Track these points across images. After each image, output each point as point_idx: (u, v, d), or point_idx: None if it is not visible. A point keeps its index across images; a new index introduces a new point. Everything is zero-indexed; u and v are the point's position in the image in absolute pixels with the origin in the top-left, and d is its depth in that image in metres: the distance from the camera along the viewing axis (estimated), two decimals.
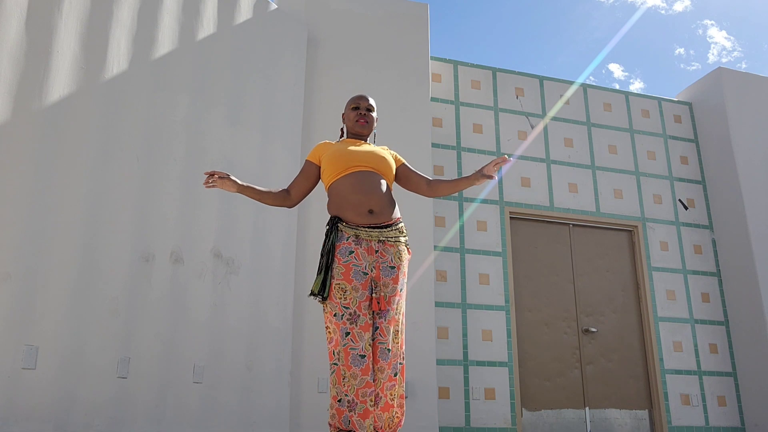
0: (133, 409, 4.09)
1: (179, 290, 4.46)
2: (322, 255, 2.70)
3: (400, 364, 2.68)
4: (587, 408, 6.11)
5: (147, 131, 4.56)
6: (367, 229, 2.71)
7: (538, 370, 6.07)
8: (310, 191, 3.00)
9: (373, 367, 2.61)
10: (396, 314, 2.68)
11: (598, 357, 6.29)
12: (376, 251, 2.71)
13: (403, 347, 2.72)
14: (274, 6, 5.64)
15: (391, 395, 2.63)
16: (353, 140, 2.98)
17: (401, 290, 2.73)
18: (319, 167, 2.95)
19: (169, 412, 4.22)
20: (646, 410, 6.29)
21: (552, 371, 6.11)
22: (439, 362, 5.64)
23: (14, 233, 3.88)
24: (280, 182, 5.19)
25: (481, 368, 5.80)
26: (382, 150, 2.97)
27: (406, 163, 3.06)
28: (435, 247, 5.89)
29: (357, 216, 2.73)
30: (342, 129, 3.12)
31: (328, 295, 2.63)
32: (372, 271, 2.68)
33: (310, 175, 2.96)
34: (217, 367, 4.50)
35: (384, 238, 2.73)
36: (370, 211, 2.74)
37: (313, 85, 5.76)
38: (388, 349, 2.63)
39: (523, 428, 5.86)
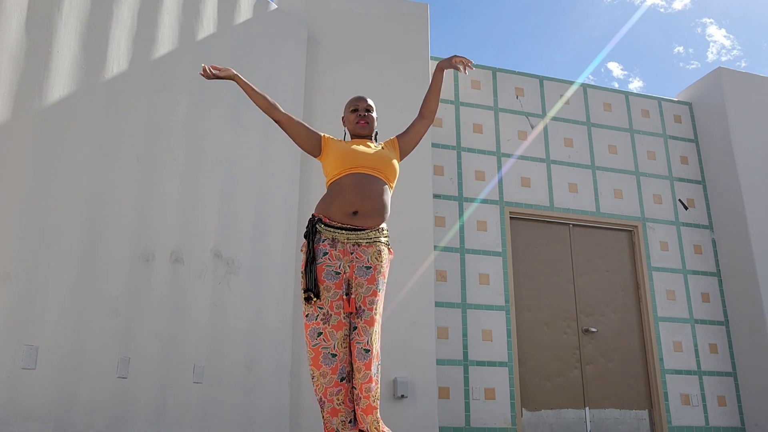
0: (133, 409, 4.09)
1: (179, 290, 4.46)
2: (306, 259, 2.70)
3: (378, 365, 2.67)
4: (587, 408, 6.11)
5: (147, 131, 4.56)
6: (344, 231, 2.72)
7: (538, 370, 6.07)
8: (293, 135, 2.96)
9: (352, 367, 2.63)
10: (375, 314, 2.67)
11: (598, 357, 6.29)
12: (351, 253, 2.72)
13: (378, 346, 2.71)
14: (274, 6, 5.64)
15: (373, 397, 2.61)
16: (358, 140, 2.98)
17: (380, 290, 2.71)
18: (320, 147, 2.95)
19: (169, 412, 4.22)
20: (646, 410, 6.29)
21: (552, 371, 6.11)
22: (439, 362, 5.64)
23: (14, 233, 3.88)
24: (280, 182, 5.20)
25: (481, 368, 5.80)
26: (385, 150, 2.95)
27: (401, 134, 3.08)
28: (435, 247, 5.89)
29: (340, 214, 2.73)
30: (345, 133, 3.13)
31: (318, 292, 2.64)
32: (346, 271, 2.70)
33: (307, 135, 2.95)
34: (217, 367, 4.50)
35: (360, 241, 2.73)
36: (355, 213, 2.74)
37: (313, 85, 5.76)
38: (366, 350, 2.61)
39: (523, 428, 5.86)
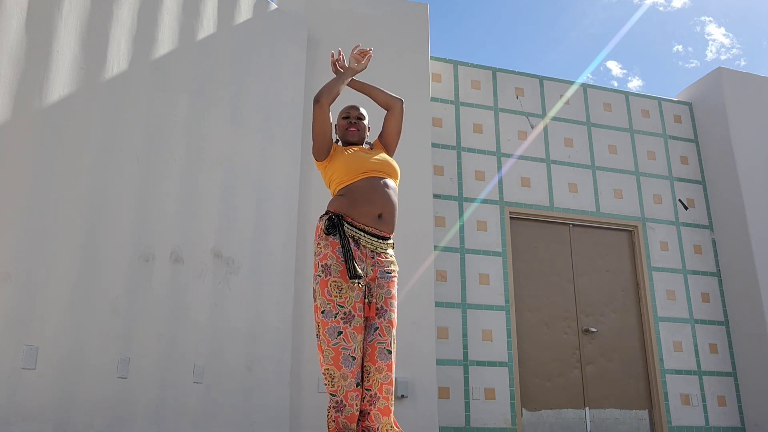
0: (133, 409, 4.09)
1: (179, 290, 4.46)
2: (342, 247, 2.63)
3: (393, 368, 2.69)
4: (587, 408, 6.11)
5: (147, 131, 4.56)
6: (368, 236, 2.73)
7: (538, 370, 6.07)
8: (320, 125, 2.87)
9: (369, 368, 2.61)
10: (395, 317, 2.71)
11: (598, 357, 6.29)
12: (372, 258, 2.74)
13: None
14: (274, 6, 5.64)
15: (392, 400, 2.62)
16: (359, 147, 3.00)
17: (396, 295, 2.77)
18: (329, 151, 2.91)
19: (169, 412, 4.22)
20: (646, 410, 6.29)
21: (552, 371, 6.11)
22: (439, 362, 5.63)
23: (14, 233, 3.88)
24: (280, 182, 5.20)
25: (481, 368, 5.80)
26: (380, 152, 3.00)
27: (381, 134, 3.13)
28: (435, 247, 5.89)
29: (366, 217, 2.73)
30: (337, 140, 3.13)
31: (359, 275, 2.59)
32: (369, 274, 2.70)
33: (325, 135, 2.89)
34: (217, 367, 4.50)
35: (378, 250, 2.76)
36: (380, 216, 2.76)
37: (313, 85, 5.75)
38: (389, 350, 2.62)
39: (523, 428, 5.86)
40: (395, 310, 2.71)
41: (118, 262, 4.23)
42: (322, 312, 2.60)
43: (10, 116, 3.97)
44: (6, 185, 3.90)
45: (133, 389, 4.11)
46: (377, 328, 2.63)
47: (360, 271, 2.59)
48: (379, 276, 2.71)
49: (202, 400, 4.38)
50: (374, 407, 2.58)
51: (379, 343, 2.61)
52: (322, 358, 2.60)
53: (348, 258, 2.60)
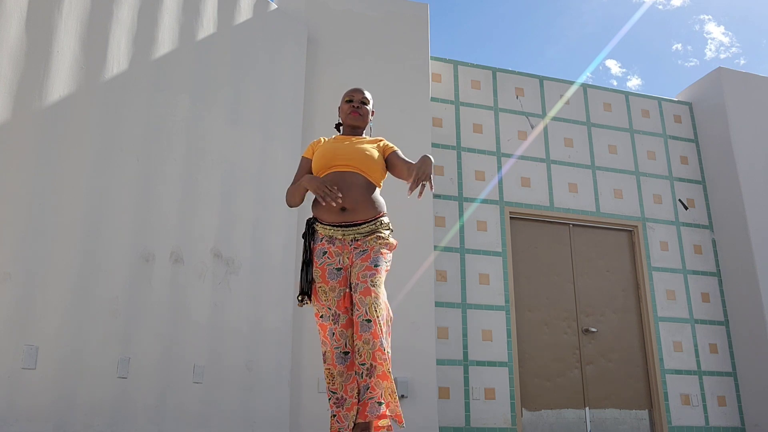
0: (133, 409, 4.09)
1: (179, 290, 4.45)
2: (303, 263, 2.75)
3: (387, 330, 2.60)
4: (587, 408, 6.11)
5: (147, 131, 4.56)
6: (340, 228, 2.71)
7: (538, 370, 6.07)
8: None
9: (357, 346, 2.57)
10: (370, 285, 2.58)
11: (598, 357, 6.29)
12: (350, 245, 2.72)
13: (388, 313, 2.64)
14: (274, 6, 5.64)
15: (387, 368, 2.56)
16: (346, 136, 2.97)
17: (376, 266, 2.64)
18: (312, 154, 2.95)
19: (169, 412, 4.22)
20: (646, 410, 6.29)
21: (552, 371, 6.11)
22: (439, 362, 5.63)
23: (14, 233, 3.88)
24: (280, 182, 5.20)
25: (481, 368, 5.80)
26: (372, 146, 2.89)
27: (397, 151, 2.92)
28: (435, 247, 5.89)
29: (330, 214, 2.72)
30: (338, 124, 3.12)
31: (310, 294, 2.70)
32: (346, 263, 2.71)
33: (308, 171, 2.92)
34: (217, 367, 4.50)
35: (358, 236, 2.71)
36: (343, 209, 2.71)
37: (313, 85, 5.76)
38: (367, 320, 2.54)
39: (523, 428, 5.86)
40: (369, 279, 2.59)
41: (118, 262, 4.23)
42: (321, 317, 2.70)
43: (10, 116, 3.97)
44: (6, 185, 3.90)
45: (133, 389, 4.11)
46: (354, 303, 2.61)
47: (309, 288, 2.70)
48: (354, 258, 2.69)
49: (202, 400, 4.38)
50: (372, 378, 2.54)
51: (358, 317, 2.56)
52: (325, 360, 2.70)
53: (303, 272, 2.72)
